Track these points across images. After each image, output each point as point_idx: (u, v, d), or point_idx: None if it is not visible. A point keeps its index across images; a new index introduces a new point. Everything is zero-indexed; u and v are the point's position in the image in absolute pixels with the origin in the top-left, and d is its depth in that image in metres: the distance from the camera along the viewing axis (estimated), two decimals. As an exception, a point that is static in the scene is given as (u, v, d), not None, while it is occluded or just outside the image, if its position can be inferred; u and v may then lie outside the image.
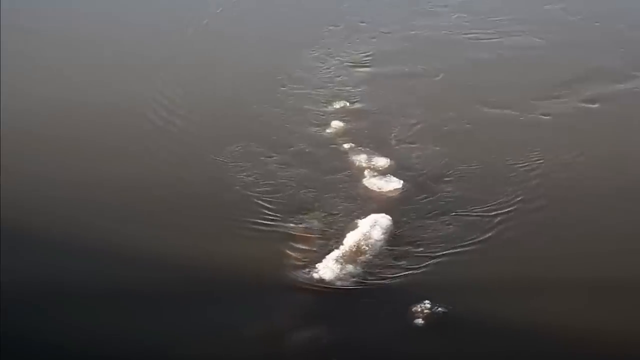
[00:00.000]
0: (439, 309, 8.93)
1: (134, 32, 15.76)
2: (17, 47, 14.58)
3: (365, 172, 11.47)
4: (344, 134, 12.45)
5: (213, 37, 15.67)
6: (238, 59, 14.81)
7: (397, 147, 12.21)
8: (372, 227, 10.04)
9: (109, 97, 13.10)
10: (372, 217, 10.24)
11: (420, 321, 8.84)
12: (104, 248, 9.61)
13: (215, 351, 8.46)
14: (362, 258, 9.61)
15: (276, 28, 16.11)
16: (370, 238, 9.87)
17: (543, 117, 13.17)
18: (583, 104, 13.49)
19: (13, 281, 9.04)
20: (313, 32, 15.94)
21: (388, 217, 10.27)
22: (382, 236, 9.96)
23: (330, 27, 16.24)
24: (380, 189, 11.14)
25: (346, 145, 12.11)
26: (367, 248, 9.73)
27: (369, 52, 15.32)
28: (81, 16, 16.38)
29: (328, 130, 12.52)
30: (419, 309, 8.94)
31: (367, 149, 11.99)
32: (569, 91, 13.84)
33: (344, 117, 12.90)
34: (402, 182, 11.22)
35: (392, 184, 11.18)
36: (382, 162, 11.71)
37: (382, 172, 11.47)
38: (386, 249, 9.82)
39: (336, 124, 12.65)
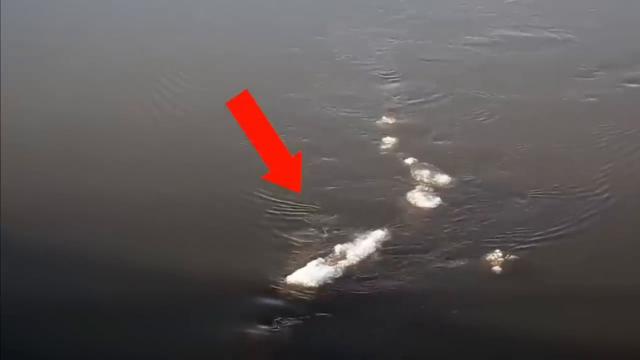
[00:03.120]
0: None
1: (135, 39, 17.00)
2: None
3: (417, 187, 12.20)
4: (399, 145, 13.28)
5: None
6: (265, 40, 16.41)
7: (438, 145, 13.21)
8: (365, 239, 10.84)
9: (103, 108, 13.98)
10: (372, 230, 11.02)
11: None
12: (98, 262, 10.37)
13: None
14: (344, 264, 10.45)
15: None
16: (359, 247, 10.69)
17: (591, 99, 13.74)
18: (625, 84, 14.04)
19: (13, 296, 9.69)
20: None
21: (386, 231, 11.01)
22: (373, 246, 10.73)
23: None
24: (416, 204, 11.80)
25: (409, 160, 12.87)
26: (352, 257, 10.54)
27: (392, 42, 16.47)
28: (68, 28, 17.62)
29: (383, 146, 13.37)
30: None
31: (428, 163, 12.72)
32: (606, 72, 14.44)
33: (396, 129, 13.77)
34: (440, 202, 11.77)
35: (429, 203, 11.78)
36: (443, 179, 12.36)
37: (437, 189, 12.11)
38: (373, 259, 10.56)
39: (389, 139, 13.52)
